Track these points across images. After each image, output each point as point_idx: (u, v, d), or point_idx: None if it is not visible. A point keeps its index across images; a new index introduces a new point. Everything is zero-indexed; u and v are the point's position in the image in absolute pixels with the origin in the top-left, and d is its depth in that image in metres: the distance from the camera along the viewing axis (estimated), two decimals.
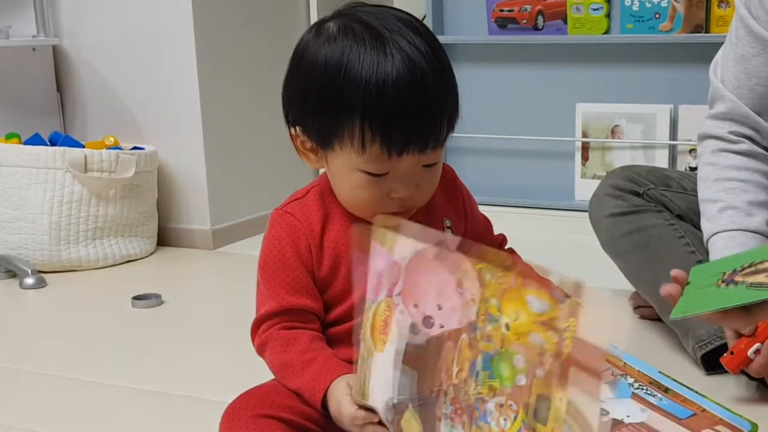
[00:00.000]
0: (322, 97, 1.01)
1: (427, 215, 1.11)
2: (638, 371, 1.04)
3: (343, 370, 1.01)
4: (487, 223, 1.21)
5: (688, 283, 1.07)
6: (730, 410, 1.01)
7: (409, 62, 0.98)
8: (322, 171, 1.11)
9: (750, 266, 1.01)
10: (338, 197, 1.08)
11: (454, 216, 1.14)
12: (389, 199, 1.04)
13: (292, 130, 1.07)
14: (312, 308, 1.07)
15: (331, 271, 1.08)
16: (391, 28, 1.00)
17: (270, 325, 1.06)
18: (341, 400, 0.97)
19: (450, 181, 1.16)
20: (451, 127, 1.03)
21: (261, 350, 1.07)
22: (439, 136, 1.01)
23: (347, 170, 1.03)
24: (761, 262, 1.00)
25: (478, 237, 1.18)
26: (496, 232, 1.24)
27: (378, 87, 0.97)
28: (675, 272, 1.06)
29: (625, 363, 1.06)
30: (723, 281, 1.01)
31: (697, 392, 1.02)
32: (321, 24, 1.05)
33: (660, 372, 1.04)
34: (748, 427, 0.99)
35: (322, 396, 0.99)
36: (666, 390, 1.03)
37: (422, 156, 1.01)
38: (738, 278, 1.00)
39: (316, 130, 1.04)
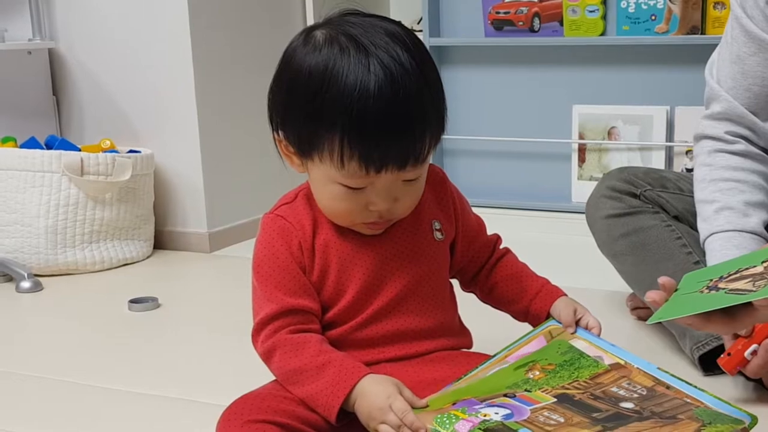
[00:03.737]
0: (304, 109, 1.01)
1: (414, 218, 1.11)
2: (638, 369, 1.04)
3: (364, 369, 1.00)
4: (480, 224, 1.21)
5: (676, 290, 1.06)
6: (729, 404, 1.01)
7: (391, 79, 0.97)
8: None
9: (736, 272, 1.00)
10: (318, 204, 1.08)
11: (443, 218, 1.14)
12: (367, 211, 1.04)
13: (276, 135, 1.07)
14: (311, 308, 1.07)
15: (320, 275, 1.08)
16: (376, 43, 0.99)
17: (273, 329, 1.05)
18: (390, 392, 0.96)
19: (439, 183, 1.16)
20: (433, 144, 1.02)
21: (268, 356, 1.06)
22: (420, 154, 1.00)
23: (326, 181, 1.03)
24: (747, 268, 1.00)
25: (470, 238, 1.19)
26: (491, 234, 1.24)
27: (359, 104, 0.96)
28: (663, 280, 1.06)
29: (626, 361, 1.06)
30: (707, 287, 1.01)
31: (696, 387, 1.02)
32: (310, 31, 1.04)
33: (659, 368, 1.04)
34: (748, 419, 0.99)
35: (345, 395, 0.98)
36: (668, 387, 1.03)
37: (402, 173, 1.01)
38: (721, 284, 0.99)
39: (297, 139, 1.04)
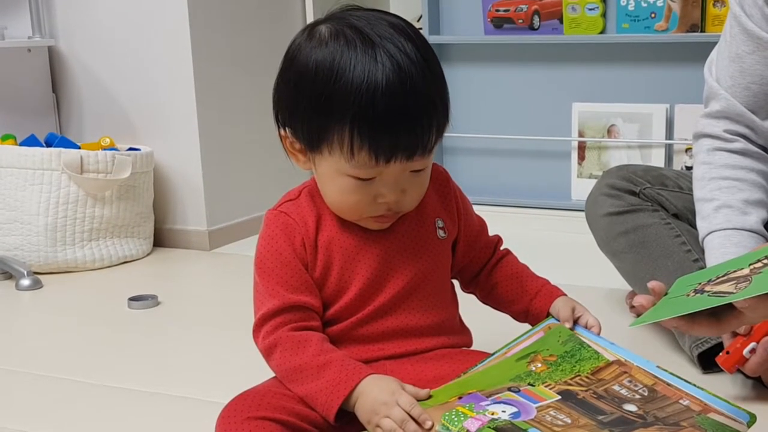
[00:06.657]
0: (313, 103, 1.01)
1: (418, 216, 1.12)
2: (638, 367, 1.04)
3: (366, 369, 1.00)
4: (482, 224, 1.21)
5: (666, 294, 1.06)
6: (728, 402, 1.01)
7: (398, 70, 0.98)
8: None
9: (724, 275, 1.00)
10: (325, 199, 1.08)
11: (446, 217, 1.15)
12: (375, 203, 1.04)
13: (282, 131, 1.08)
14: (313, 305, 1.07)
15: (323, 272, 1.08)
16: (382, 34, 1.00)
17: (275, 325, 1.05)
18: (394, 388, 0.96)
19: (443, 182, 1.16)
20: (439, 134, 1.03)
21: (269, 353, 1.06)
22: (428, 144, 1.02)
23: (335, 174, 1.03)
24: (735, 271, 0.99)
25: (471, 238, 1.19)
26: (492, 233, 1.24)
27: (368, 95, 0.97)
28: (652, 284, 1.06)
29: (625, 359, 1.06)
30: (694, 291, 1.01)
31: (695, 385, 1.02)
32: (313, 27, 1.05)
33: (658, 366, 1.04)
34: (747, 417, 1.00)
35: (346, 395, 0.98)
36: (668, 385, 1.03)
37: (410, 163, 1.02)
38: (707, 288, 0.99)
39: (305, 133, 1.04)
